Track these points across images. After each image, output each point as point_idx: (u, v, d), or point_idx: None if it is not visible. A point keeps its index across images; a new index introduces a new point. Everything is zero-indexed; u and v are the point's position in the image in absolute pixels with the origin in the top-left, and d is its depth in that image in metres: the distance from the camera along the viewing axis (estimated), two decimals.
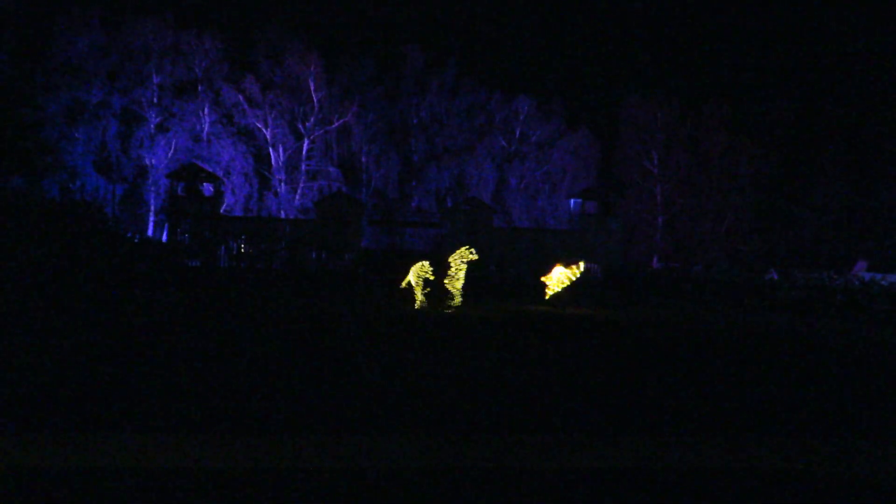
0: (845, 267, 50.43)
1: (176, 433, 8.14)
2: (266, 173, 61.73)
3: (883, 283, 32.10)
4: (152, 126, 58.74)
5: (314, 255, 49.87)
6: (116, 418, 8.73)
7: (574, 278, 27.30)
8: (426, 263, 26.36)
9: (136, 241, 48.43)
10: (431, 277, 25.87)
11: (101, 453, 7.31)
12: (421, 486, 6.72)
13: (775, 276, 39.31)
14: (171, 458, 7.23)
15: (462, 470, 7.18)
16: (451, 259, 25.60)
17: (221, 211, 55.18)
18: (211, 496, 6.33)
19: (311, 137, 61.90)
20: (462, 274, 25.20)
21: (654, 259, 63.16)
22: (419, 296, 26.03)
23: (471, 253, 25.00)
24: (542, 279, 28.79)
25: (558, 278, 27.69)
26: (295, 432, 8.34)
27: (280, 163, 61.31)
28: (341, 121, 62.27)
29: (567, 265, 27.91)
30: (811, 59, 79.01)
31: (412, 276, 26.30)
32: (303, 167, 61.90)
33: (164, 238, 53.67)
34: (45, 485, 6.45)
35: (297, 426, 8.64)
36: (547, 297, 28.66)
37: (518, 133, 67.55)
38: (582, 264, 27.61)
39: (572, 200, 58.95)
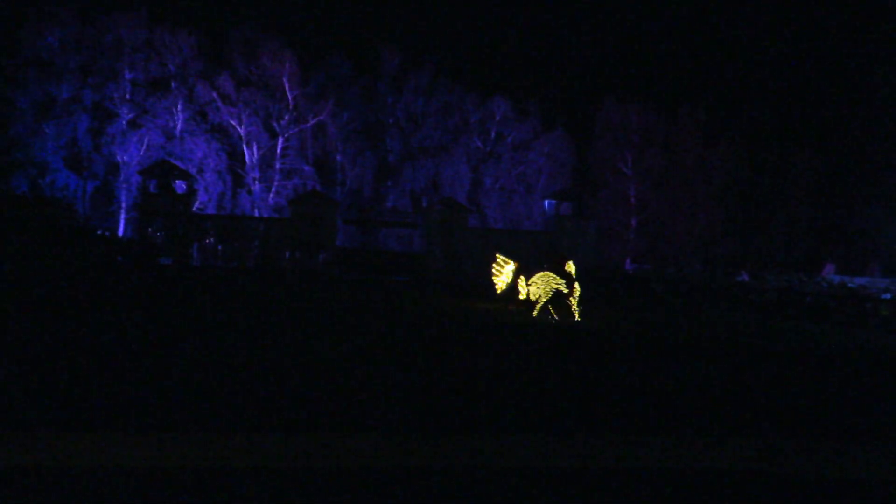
0: (814, 270, 51.16)
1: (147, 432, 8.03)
2: (240, 171, 61.21)
3: (851, 285, 32.60)
4: (124, 122, 57.98)
5: (288, 254, 49.57)
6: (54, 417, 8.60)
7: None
8: (553, 275, 24.11)
9: (106, 237, 47.89)
10: (565, 290, 23.83)
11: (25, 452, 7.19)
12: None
13: (747, 279, 39.75)
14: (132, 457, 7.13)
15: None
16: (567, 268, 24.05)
17: (194, 209, 54.65)
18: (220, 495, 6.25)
19: (286, 135, 61.50)
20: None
21: (628, 260, 63.58)
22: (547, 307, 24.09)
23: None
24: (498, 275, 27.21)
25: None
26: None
27: (254, 161, 60.85)
28: (316, 119, 61.94)
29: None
30: (785, 66, 79.99)
31: (538, 287, 24.10)
32: (277, 165, 61.48)
33: (136, 236, 53.05)
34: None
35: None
36: (501, 295, 27.44)
37: (494, 134, 67.62)
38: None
39: (547, 201, 59.13)
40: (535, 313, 24.12)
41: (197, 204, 56.75)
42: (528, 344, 17.34)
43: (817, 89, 73.04)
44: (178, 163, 54.37)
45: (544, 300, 23.98)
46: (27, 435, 7.72)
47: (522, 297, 24.99)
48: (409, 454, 7.61)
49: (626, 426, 9.31)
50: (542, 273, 24.33)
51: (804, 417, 10.65)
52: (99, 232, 49.04)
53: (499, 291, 27.46)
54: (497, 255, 27.85)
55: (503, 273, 27.28)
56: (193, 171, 56.40)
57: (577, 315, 23.63)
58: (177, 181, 51.70)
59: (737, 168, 63.96)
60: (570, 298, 23.72)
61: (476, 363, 13.88)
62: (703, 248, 63.72)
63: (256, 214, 59.11)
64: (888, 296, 31.47)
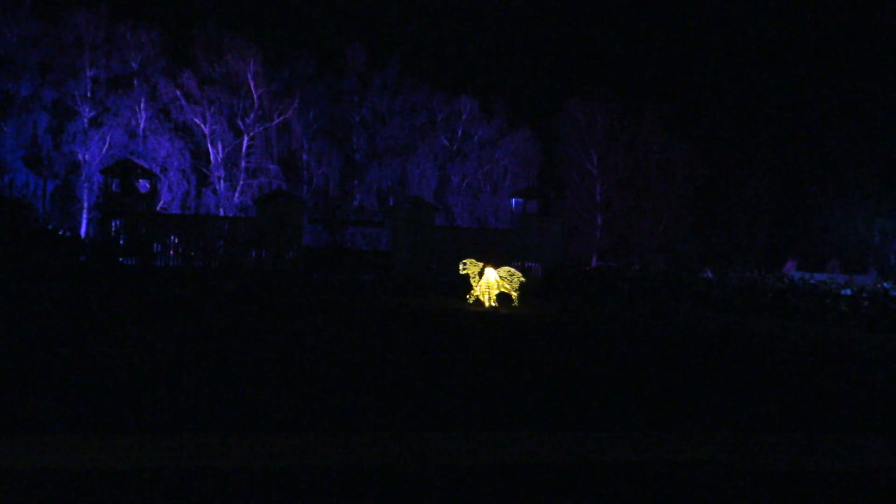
0: (776, 266, 51.98)
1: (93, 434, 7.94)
2: (204, 170, 60.55)
3: (811, 281, 33.17)
4: (86, 120, 57.02)
5: (254, 254, 49.15)
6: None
7: (509, 286, 28.42)
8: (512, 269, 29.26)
9: (68, 238, 47.11)
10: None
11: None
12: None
13: (710, 276, 40.23)
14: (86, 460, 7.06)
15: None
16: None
17: (158, 208, 53.92)
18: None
19: (251, 134, 60.96)
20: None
21: (594, 258, 64.08)
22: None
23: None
24: (471, 278, 28.87)
25: (488, 282, 28.02)
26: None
27: (219, 159, 60.23)
28: (282, 118, 61.49)
29: (498, 266, 28.70)
30: (744, 65, 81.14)
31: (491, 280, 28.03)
32: (242, 164, 60.91)
33: (99, 236, 52.22)
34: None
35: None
36: (470, 300, 28.73)
37: (460, 132, 67.70)
38: (516, 273, 29.01)
39: (514, 200, 59.27)
40: (487, 304, 27.80)
41: (161, 203, 56.02)
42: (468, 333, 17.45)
43: (777, 87, 74.18)
44: (141, 162, 53.61)
45: (489, 293, 27.88)
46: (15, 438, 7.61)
47: (475, 292, 28.59)
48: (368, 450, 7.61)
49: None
50: (489, 270, 28.20)
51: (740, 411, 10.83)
52: (61, 232, 48.21)
53: (475, 295, 29.03)
54: (465, 261, 29.46)
55: (475, 274, 28.99)
56: (157, 170, 55.67)
57: (515, 302, 28.16)
58: (140, 180, 50.94)
59: (699, 166, 64.74)
60: (513, 292, 28.29)
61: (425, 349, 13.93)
62: (668, 245, 64.43)
63: (221, 214, 58.51)
64: (848, 291, 32.06)
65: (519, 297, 28.52)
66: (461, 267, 28.81)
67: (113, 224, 48.83)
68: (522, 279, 28.87)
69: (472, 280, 28.72)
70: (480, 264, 28.68)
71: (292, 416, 9.05)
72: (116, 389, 10.15)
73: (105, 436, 7.80)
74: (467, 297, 29.03)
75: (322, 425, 8.65)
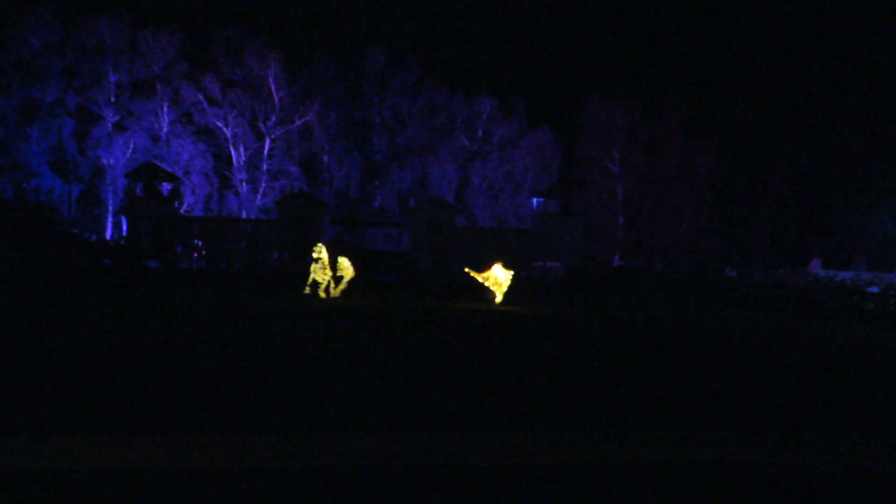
0: (800, 264, 51.47)
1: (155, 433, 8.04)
2: (227, 173, 61.00)
3: (836, 279, 32.82)
4: (110, 125, 57.65)
5: (276, 256, 49.46)
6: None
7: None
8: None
9: (92, 241, 47.62)
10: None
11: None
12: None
13: (733, 274, 39.95)
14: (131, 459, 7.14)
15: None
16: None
17: (181, 211, 54.43)
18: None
19: (273, 137, 61.32)
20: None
21: (616, 257, 63.77)
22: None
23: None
24: (479, 277, 29.75)
25: (497, 278, 29.86)
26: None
27: (241, 162, 60.64)
28: (302, 120, 61.81)
29: (506, 265, 30.65)
30: (767, 63, 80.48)
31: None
32: (264, 166, 61.29)
33: (123, 239, 52.76)
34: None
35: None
36: (498, 300, 29.42)
37: (480, 133, 67.70)
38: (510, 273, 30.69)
39: (534, 199, 59.24)
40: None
41: (184, 206, 56.53)
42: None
43: (800, 85, 73.53)
44: (164, 165, 54.11)
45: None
46: (17, 439, 7.73)
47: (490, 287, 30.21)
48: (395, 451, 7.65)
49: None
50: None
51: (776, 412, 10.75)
52: (86, 235, 48.78)
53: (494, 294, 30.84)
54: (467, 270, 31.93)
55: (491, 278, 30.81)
56: (180, 173, 56.16)
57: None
58: (163, 183, 51.49)
59: (721, 164, 64.19)
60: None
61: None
62: (690, 244, 63.95)
63: (244, 216, 58.92)
64: (875, 289, 31.67)
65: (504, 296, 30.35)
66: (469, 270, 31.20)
67: (137, 227, 49.36)
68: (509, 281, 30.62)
69: (478, 277, 30.48)
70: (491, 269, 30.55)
71: (320, 418, 9.12)
72: (118, 389, 10.28)
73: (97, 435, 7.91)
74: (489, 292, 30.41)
75: (366, 423, 8.71)
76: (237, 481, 6.61)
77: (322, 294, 29.04)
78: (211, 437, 7.97)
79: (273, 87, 60.55)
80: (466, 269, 31.40)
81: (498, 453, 7.71)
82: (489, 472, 7.12)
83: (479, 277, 30.27)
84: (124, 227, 54.39)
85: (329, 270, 29.04)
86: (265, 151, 61.40)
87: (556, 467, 7.33)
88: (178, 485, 6.50)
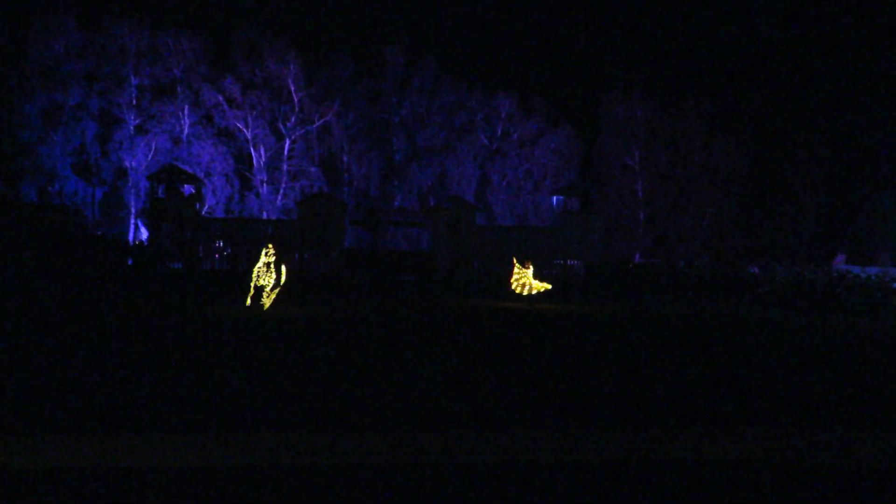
0: (825, 260, 50.92)
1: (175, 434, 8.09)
2: (247, 174, 61.41)
3: (862, 275, 32.45)
4: (131, 128, 58.23)
5: (297, 256, 49.66)
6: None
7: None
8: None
9: (116, 243, 48.13)
10: None
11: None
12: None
13: (756, 271, 39.60)
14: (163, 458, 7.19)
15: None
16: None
17: (203, 212, 54.79)
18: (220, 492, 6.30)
19: (293, 137, 61.64)
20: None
21: (637, 255, 63.42)
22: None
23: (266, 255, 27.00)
24: (522, 273, 30.64)
25: (530, 278, 30.52)
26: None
27: (261, 163, 60.99)
28: (322, 120, 62.06)
29: (525, 264, 31.40)
30: (790, 56, 79.66)
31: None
32: (284, 167, 61.63)
33: (146, 240, 53.21)
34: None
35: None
36: (532, 293, 30.21)
37: (500, 131, 67.59)
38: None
39: (554, 197, 59.01)
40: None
41: (205, 208, 56.94)
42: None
43: (824, 78, 72.71)
44: (185, 167, 54.53)
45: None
46: (37, 437, 7.80)
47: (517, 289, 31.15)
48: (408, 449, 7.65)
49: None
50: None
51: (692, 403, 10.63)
52: (109, 237, 49.26)
53: (518, 291, 31.42)
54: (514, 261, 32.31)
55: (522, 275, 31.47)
56: (201, 174, 56.57)
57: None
58: (185, 185, 51.85)
59: (743, 160, 63.59)
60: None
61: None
62: (712, 241, 63.43)
63: (265, 217, 59.29)
64: None
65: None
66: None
67: (159, 228, 49.78)
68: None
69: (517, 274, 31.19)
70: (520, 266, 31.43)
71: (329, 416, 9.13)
72: (123, 389, 10.35)
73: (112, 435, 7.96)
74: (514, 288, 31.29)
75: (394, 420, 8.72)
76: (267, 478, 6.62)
77: (265, 300, 25.42)
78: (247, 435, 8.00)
79: (292, 88, 60.84)
80: (515, 262, 32.07)
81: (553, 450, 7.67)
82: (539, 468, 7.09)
83: (521, 274, 31.07)
84: (145, 230, 54.87)
85: (273, 273, 25.69)
86: (285, 152, 61.75)
87: (598, 464, 7.29)
88: (183, 483, 6.53)
